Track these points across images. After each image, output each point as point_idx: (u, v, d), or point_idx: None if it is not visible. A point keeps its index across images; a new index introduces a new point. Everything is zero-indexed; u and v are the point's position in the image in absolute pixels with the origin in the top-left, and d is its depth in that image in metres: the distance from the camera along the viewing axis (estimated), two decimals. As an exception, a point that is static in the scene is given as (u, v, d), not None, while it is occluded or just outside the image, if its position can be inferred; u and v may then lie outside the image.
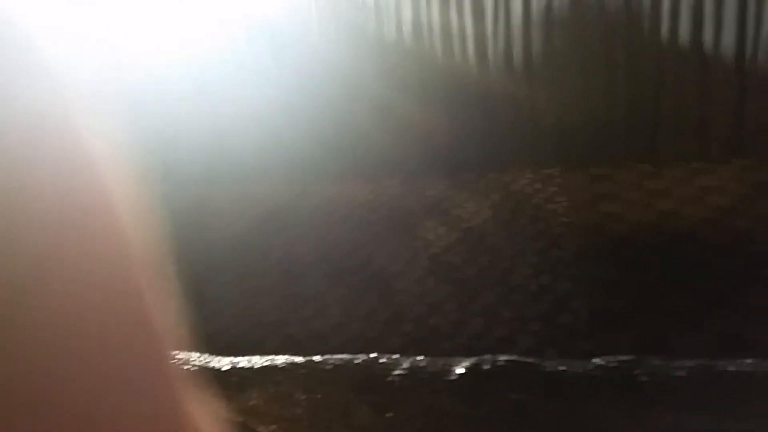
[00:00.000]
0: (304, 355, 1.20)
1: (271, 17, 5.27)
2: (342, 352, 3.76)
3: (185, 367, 0.33)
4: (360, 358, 1.16)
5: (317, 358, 1.15)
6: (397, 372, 1.14)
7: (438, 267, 4.24)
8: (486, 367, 1.13)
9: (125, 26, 5.12)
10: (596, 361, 1.12)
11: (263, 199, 5.25)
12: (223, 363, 1.11)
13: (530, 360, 1.14)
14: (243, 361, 1.12)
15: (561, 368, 1.12)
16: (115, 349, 0.28)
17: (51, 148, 0.27)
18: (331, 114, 5.12)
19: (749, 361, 1.08)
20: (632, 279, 3.78)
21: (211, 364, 1.08)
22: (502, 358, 1.15)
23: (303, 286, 4.17)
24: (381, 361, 1.15)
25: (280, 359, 1.14)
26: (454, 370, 1.13)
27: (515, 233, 4.42)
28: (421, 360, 1.16)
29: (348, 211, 4.93)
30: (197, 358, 1.08)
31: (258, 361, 1.16)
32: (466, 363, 1.15)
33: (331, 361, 1.15)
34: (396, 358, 1.16)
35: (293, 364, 1.12)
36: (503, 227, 4.51)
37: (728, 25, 4.32)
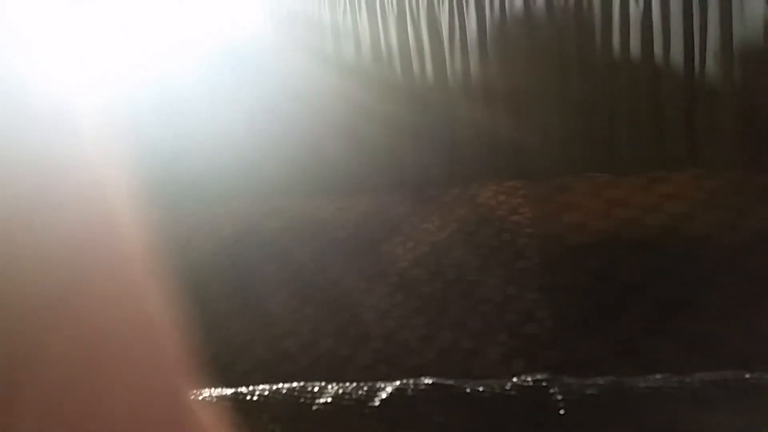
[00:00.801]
0: (271, 379, 1.22)
1: (229, 39, 5.30)
2: (311, 372, 3.77)
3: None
4: (285, 387, 1.18)
5: (243, 389, 1.17)
6: (321, 400, 1.16)
7: (406, 282, 4.27)
8: (409, 391, 1.16)
9: (92, 49, 5.10)
10: (514, 380, 1.16)
11: (229, 219, 5.26)
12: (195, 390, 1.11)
13: (450, 382, 1.17)
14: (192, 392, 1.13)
15: (479, 389, 1.15)
16: (112, 354, 0.29)
17: (52, 152, 0.28)
18: (295, 134, 5.15)
19: (658, 377, 1.12)
20: (596, 287, 3.84)
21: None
22: (425, 381, 1.18)
23: (271, 306, 4.17)
24: (307, 389, 1.17)
25: (206, 392, 1.16)
26: (378, 396, 1.16)
27: (481, 245, 4.47)
28: (345, 386, 1.19)
29: (315, 229, 4.96)
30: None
31: (194, 392, 1.16)
32: (390, 388, 1.17)
33: (256, 392, 1.16)
34: (321, 386, 1.19)
35: (219, 397, 1.14)
36: (469, 240, 4.56)
37: (676, 38, 4.45)
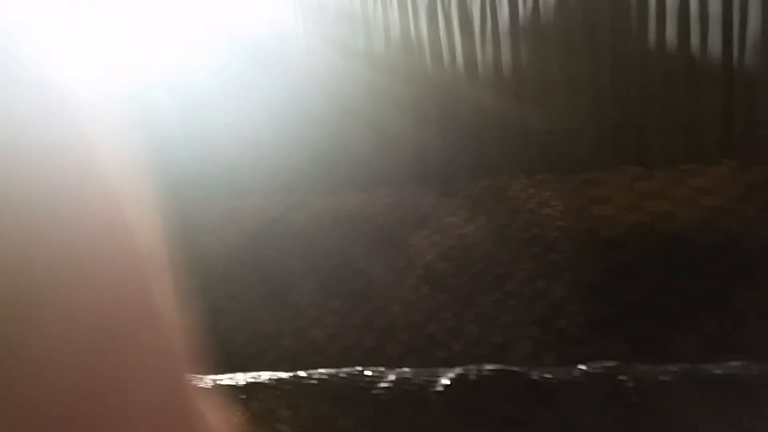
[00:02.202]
0: (298, 368, 1.20)
1: (258, 32, 5.29)
2: (338, 362, 3.75)
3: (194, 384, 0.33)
4: (345, 371, 1.15)
5: (302, 373, 1.14)
6: (382, 385, 1.13)
7: (433, 275, 4.24)
8: (472, 377, 1.12)
9: (113, 42, 5.13)
10: (582, 367, 1.12)
11: (255, 211, 5.26)
12: (206, 381, 1.10)
13: (515, 369, 1.13)
14: (225, 379, 1.12)
15: (546, 376, 1.11)
16: (124, 351, 0.28)
17: (53, 152, 0.27)
18: (322, 126, 5.14)
19: (735, 364, 1.08)
20: (626, 281, 3.78)
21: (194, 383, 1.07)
22: (488, 367, 1.14)
23: (297, 298, 4.17)
24: (366, 374, 1.14)
25: (265, 375, 1.13)
26: (440, 381, 1.12)
27: (509, 239, 4.43)
28: (407, 372, 1.15)
29: (341, 221, 4.94)
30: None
31: (241, 378, 1.15)
32: (452, 374, 1.14)
33: (315, 376, 1.14)
34: (382, 371, 1.16)
35: (278, 380, 1.11)
36: (497, 233, 4.52)
37: (714, 27, 4.36)
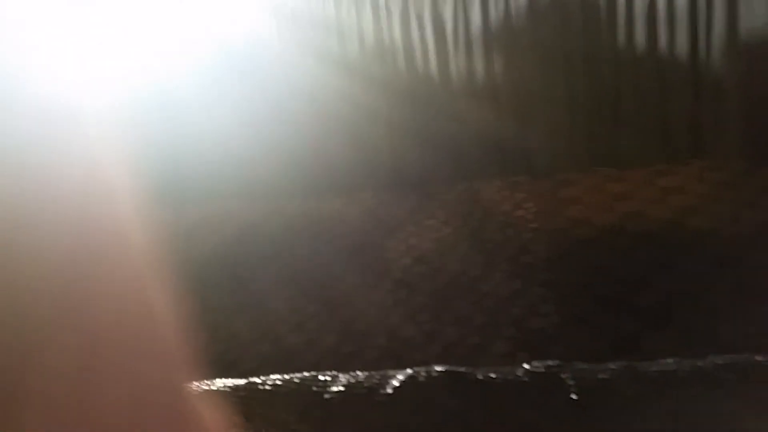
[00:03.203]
0: (277, 374, 1.22)
1: (234, 38, 5.30)
2: (316, 367, 3.76)
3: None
4: (298, 377, 1.18)
5: (256, 380, 1.17)
6: (335, 389, 1.16)
7: (410, 278, 4.27)
8: (421, 378, 1.16)
9: (92, 49, 5.10)
10: (525, 366, 1.16)
11: (232, 217, 5.26)
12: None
13: (462, 369, 1.17)
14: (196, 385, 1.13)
15: (491, 375, 1.15)
16: (119, 358, 0.29)
17: (54, 153, 0.28)
18: (298, 132, 5.15)
19: (670, 360, 1.12)
20: (600, 280, 3.84)
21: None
22: (437, 368, 1.18)
23: (275, 303, 4.17)
24: (320, 378, 1.18)
25: (219, 383, 1.16)
26: (390, 383, 1.16)
27: (485, 241, 4.47)
28: (358, 375, 1.19)
29: (318, 226, 4.96)
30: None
31: (197, 385, 1.17)
32: (402, 376, 1.17)
33: (269, 382, 1.17)
34: (334, 375, 1.19)
35: (232, 387, 1.14)
36: (473, 235, 4.56)
37: (680, 30, 4.44)
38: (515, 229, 4.47)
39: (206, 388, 1.16)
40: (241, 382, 1.18)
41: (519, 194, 4.79)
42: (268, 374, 1.28)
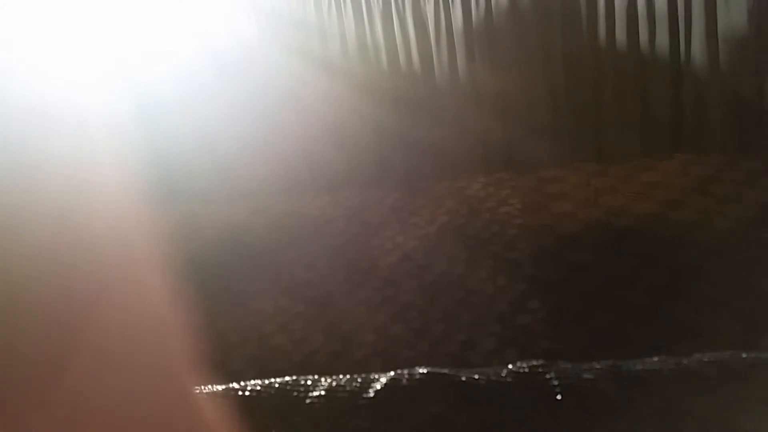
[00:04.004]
0: (264, 375, 1.20)
1: (215, 39, 5.26)
2: (304, 368, 3.76)
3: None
4: (278, 381, 1.16)
5: (234, 385, 1.15)
6: (315, 393, 1.14)
7: (396, 275, 4.26)
8: (403, 381, 1.14)
9: (76, 51, 5.04)
10: (509, 367, 1.14)
11: (216, 217, 5.22)
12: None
13: (445, 371, 1.15)
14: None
15: (474, 377, 1.13)
16: (120, 359, 0.29)
17: (54, 151, 0.28)
18: (281, 130, 5.13)
19: (655, 359, 1.11)
20: (585, 276, 3.85)
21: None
22: (419, 370, 1.16)
23: (261, 303, 4.15)
24: (300, 383, 1.15)
25: (199, 389, 1.13)
26: (372, 387, 1.14)
27: (470, 237, 4.47)
28: (339, 379, 1.17)
29: (302, 224, 4.93)
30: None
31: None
32: (384, 379, 1.15)
33: (248, 388, 1.14)
34: (315, 379, 1.17)
35: (210, 393, 1.11)
36: (459, 232, 4.56)
37: (661, 25, 4.47)
38: (500, 225, 4.47)
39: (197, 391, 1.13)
40: (220, 387, 1.15)
41: (503, 191, 4.80)
42: (254, 375, 1.26)
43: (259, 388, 1.15)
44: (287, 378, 1.18)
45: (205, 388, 1.19)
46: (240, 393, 1.16)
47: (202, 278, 4.50)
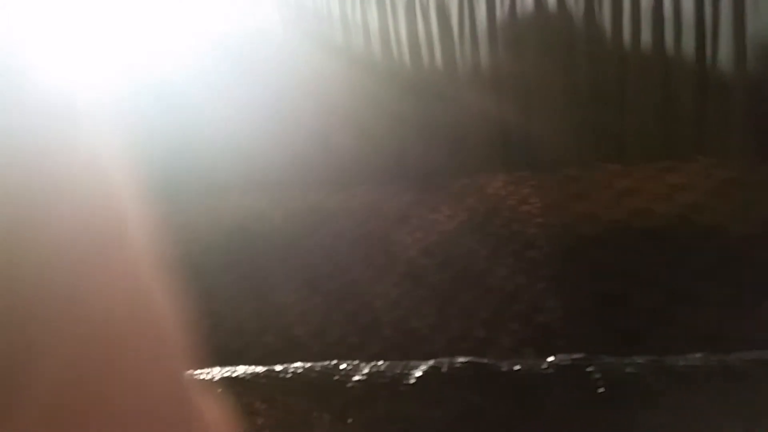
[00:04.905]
0: (280, 364, 1.21)
1: (237, 31, 5.28)
2: (321, 359, 3.75)
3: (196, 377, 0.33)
4: (320, 365, 1.17)
5: (277, 367, 1.16)
6: (356, 378, 1.15)
7: (415, 271, 4.26)
8: (444, 369, 1.15)
9: (92, 42, 5.08)
10: (551, 359, 1.15)
11: (234, 210, 5.24)
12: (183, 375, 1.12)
13: (486, 361, 1.16)
14: (202, 374, 1.13)
15: (516, 368, 1.14)
16: (121, 351, 0.29)
17: (55, 152, 0.27)
18: (301, 124, 5.13)
19: (697, 355, 1.11)
20: (605, 277, 3.83)
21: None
22: (460, 360, 1.16)
23: (279, 295, 4.17)
24: (341, 367, 1.16)
25: (240, 370, 1.15)
26: (412, 374, 1.14)
27: (490, 235, 4.46)
28: (380, 365, 1.18)
29: (321, 218, 4.94)
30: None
31: (217, 372, 1.16)
32: (424, 366, 1.16)
33: (290, 370, 1.15)
34: (356, 364, 1.18)
35: (253, 374, 1.13)
36: (478, 230, 4.55)
37: (687, 27, 4.43)
38: (520, 224, 4.46)
39: (227, 374, 1.15)
40: (261, 369, 1.16)
41: (524, 189, 4.78)
42: (273, 365, 1.27)
43: (300, 371, 1.16)
44: (328, 362, 1.19)
45: (245, 370, 1.20)
46: (281, 375, 1.17)
47: (220, 270, 4.52)
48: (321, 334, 3.79)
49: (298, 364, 1.18)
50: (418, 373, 1.14)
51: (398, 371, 1.15)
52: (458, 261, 4.25)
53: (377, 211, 4.95)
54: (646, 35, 4.56)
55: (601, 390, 1.08)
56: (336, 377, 1.15)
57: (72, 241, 0.27)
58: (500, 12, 4.81)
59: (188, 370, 0.33)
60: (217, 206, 5.34)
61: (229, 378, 1.13)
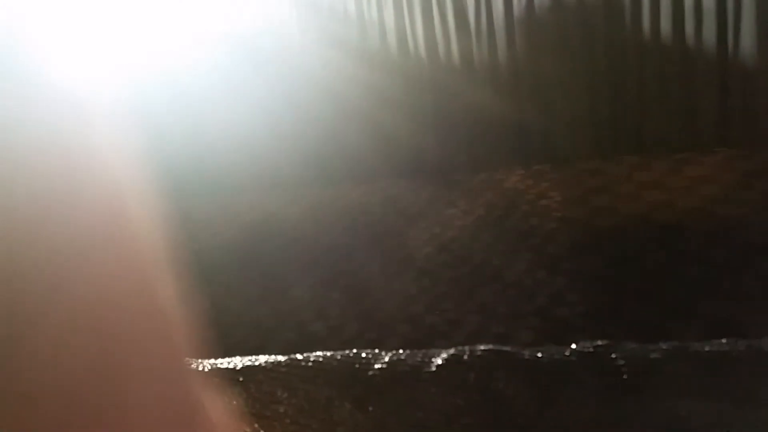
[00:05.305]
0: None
1: (254, 29, 5.30)
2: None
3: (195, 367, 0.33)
4: (340, 354, 1.17)
5: (298, 356, 1.16)
6: (377, 366, 1.15)
7: (432, 266, 4.25)
8: (465, 357, 1.14)
9: (110, 39, 5.13)
10: (573, 346, 1.13)
11: (252, 206, 5.27)
12: (204, 365, 1.13)
13: (507, 348, 1.15)
14: (223, 362, 1.13)
15: (538, 355, 1.13)
16: (128, 348, 0.29)
17: (57, 153, 0.28)
18: (319, 121, 5.14)
19: (724, 341, 1.09)
20: (625, 270, 3.79)
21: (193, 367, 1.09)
22: (481, 347, 1.16)
23: (297, 291, 4.18)
24: (362, 355, 1.16)
25: (261, 359, 1.15)
26: (433, 362, 1.14)
27: (508, 230, 4.44)
28: (401, 353, 1.17)
29: (338, 215, 4.95)
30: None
31: (239, 361, 1.16)
32: (445, 354, 1.15)
33: (311, 359, 1.15)
34: (376, 353, 1.17)
35: (274, 363, 1.13)
36: (496, 224, 4.53)
37: (709, 16, 4.36)
38: (539, 218, 4.42)
39: (249, 364, 1.15)
40: (282, 358, 1.16)
41: (543, 183, 4.74)
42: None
43: (322, 359, 1.16)
44: (350, 351, 1.19)
45: (265, 360, 1.20)
46: (303, 364, 1.17)
47: (238, 266, 4.55)
48: (338, 330, 3.79)
49: (319, 353, 1.18)
50: (438, 361, 1.13)
51: (419, 359, 1.14)
52: (476, 256, 4.23)
53: (395, 207, 4.95)
54: (666, 25, 4.50)
55: (624, 377, 1.07)
56: (357, 365, 1.14)
57: (79, 237, 0.27)
58: (517, 6, 4.78)
59: (193, 363, 0.33)
60: (235, 203, 5.37)
61: (251, 367, 1.13)
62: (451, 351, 1.18)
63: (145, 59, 5.31)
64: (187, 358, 0.32)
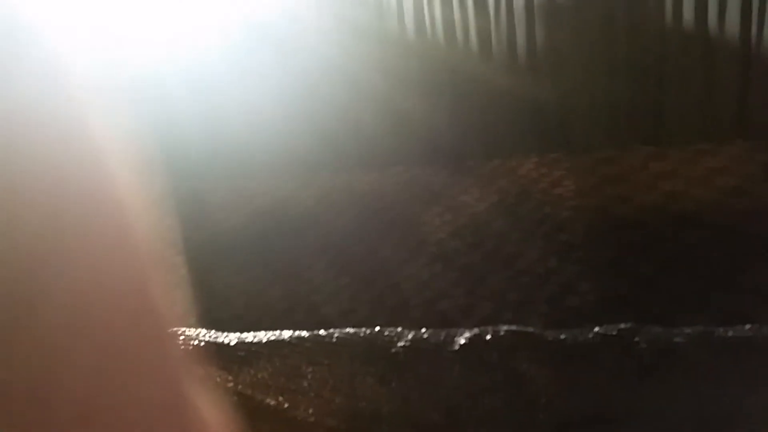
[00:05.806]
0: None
1: (269, 13, 5.28)
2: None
3: (190, 344, 0.33)
4: (364, 331, 1.18)
5: (322, 332, 1.17)
6: (400, 344, 1.16)
7: (444, 252, 4.25)
8: (487, 337, 1.15)
9: (126, 23, 5.14)
10: (596, 329, 1.14)
11: (266, 190, 5.28)
12: (231, 338, 1.14)
13: (530, 329, 1.15)
14: (249, 336, 1.15)
15: (561, 337, 1.13)
16: (121, 331, 0.29)
17: (55, 142, 0.27)
18: (333, 105, 5.13)
19: (748, 327, 1.09)
20: (638, 260, 3.78)
21: (219, 340, 1.11)
22: (504, 328, 1.16)
23: (309, 275, 4.19)
24: (385, 333, 1.17)
25: (286, 333, 1.17)
26: (456, 341, 1.15)
27: (522, 217, 4.43)
28: (423, 332, 1.18)
29: (352, 199, 4.95)
30: (205, 335, 1.11)
31: (264, 335, 1.18)
32: (468, 334, 1.16)
33: (335, 335, 1.17)
34: (399, 331, 1.18)
35: (299, 338, 1.14)
36: (509, 212, 4.52)
37: (731, 5, 4.30)
38: (553, 206, 4.41)
39: (274, 338, 1.17)
40: (306, 333, 1.18)
41: (557, 171, 4.72)
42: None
43: (346, 335, 1.17)
44: (374, 329, 1.20)
45: (290, 335, 1.22)
46: (326, 340, 1.18)
47: (251, 250, 4.57)
48: (349, 314, 3.81)
49: (343, 329, 1.19)
50: (461, 341, 1.14)
51: (442, 338, 1.15)
52: (488, 243, 4.22)
53: (408, 193, 4.95)
54: (687, 14, 4.44)
55: (648, 360, 1.07)
56: (380, 343, 1.16)
57: (82, 231, 0.27)
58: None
59: (181, 342, 0.33)
60: (249, 187, 5.39)
61: (276, 341, 1.15)
62: (475, 331, 1.19)
63: (159, 44, 5.31)
64: (176, 340, 0.32)
